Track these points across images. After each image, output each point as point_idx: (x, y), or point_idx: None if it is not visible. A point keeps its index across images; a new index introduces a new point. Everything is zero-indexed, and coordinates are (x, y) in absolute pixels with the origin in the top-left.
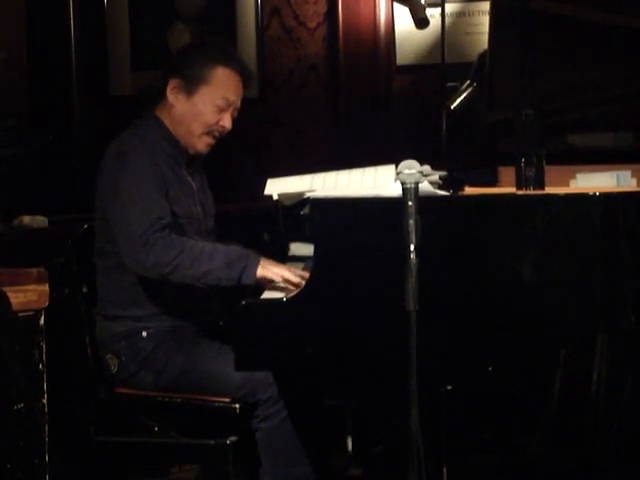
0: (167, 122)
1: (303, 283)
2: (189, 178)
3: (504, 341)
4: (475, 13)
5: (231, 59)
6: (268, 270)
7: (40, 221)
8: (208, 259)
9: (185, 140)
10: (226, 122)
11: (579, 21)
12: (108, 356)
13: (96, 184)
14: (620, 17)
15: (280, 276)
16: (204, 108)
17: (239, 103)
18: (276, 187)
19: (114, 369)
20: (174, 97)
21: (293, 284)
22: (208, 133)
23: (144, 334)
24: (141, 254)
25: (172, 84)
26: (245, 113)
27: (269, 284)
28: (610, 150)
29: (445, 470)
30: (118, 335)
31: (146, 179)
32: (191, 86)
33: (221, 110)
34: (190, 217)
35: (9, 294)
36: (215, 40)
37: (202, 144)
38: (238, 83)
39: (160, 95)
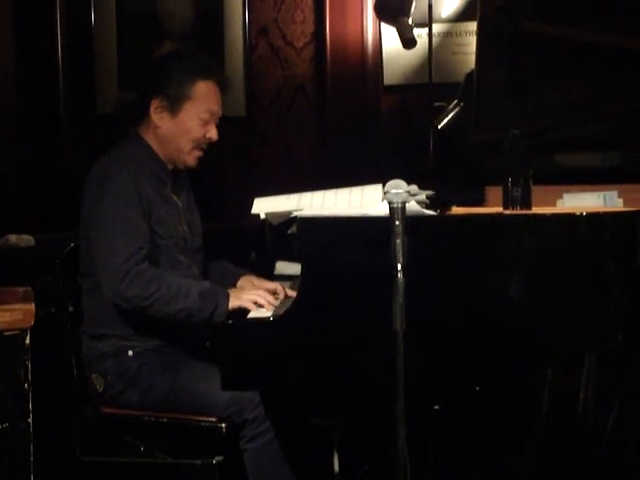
0: (152, 142)
1: (280, 297)
2: (175, 197)
3: (491, 360)
4: (462, 33)
5: (208, 70)
6: (239, 300)
7: (26, 240)
8: (183, 298)
9: (174, 157)
10: (212, 134)
11: (565, 41)
12: (94, 375)
13: (79, 205)
14: (606, 36)
15: (250, 302)
16: (190, 124)
17: (221, 112)
18: (263, 206)
19: (100, 388)
20: (158, 117)
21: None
22: (196, 147)
23: (130, 353)
24: (121, 285)
25: (155, 104)
26: (233, 132)
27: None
28: (597, 170)
29: None
30: (104, 354)
31: (128, 203)
32: (174, 104)
33: (206, 123)
34: (176, 237)
35: None
36: (188, 51)
37: (192, 159)
38: (218, 92)
39: (142, 115)
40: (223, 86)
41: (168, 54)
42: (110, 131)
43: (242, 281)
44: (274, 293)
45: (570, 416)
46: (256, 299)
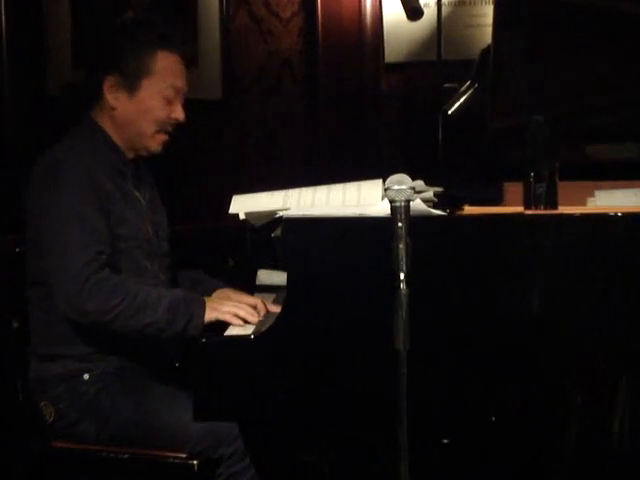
0: (108, 127)
1: (261, 314)
2: (136, 193)
3: (509, 386)
4: (477, 2)
5: (168, 39)
6: (217, 312)
7: None
8: (152, 310)
9: (135, 143)
10: (179, 113)
11: (601, 11)
12: (43, 403)
13: (25, 202)
14: None
15: (231, 315)
16: (152, 103)
17: (186, 87)
18: (243, 205)
19: (50, 418)
20: (114, 97)
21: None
22: (160, 130)
23: (86, 377)
24: (79, 298)
25: (109, 82)
26: (208, 117)
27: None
28: (635, 163)
29: None
30: (55, 378)
31: (84, 200)
32: (132, 81)
33: (170, 101)
34: (139, 239)
35: None
36: (143, 19)
37: (155, 144)
38: (181, 65)
39: (95, 96)
40: (185, 56)
41: (121, 23)
42: (64, 115)
43: (217, 294)
44: (254, 309)
45: (602, 451)
46: (237, 311)
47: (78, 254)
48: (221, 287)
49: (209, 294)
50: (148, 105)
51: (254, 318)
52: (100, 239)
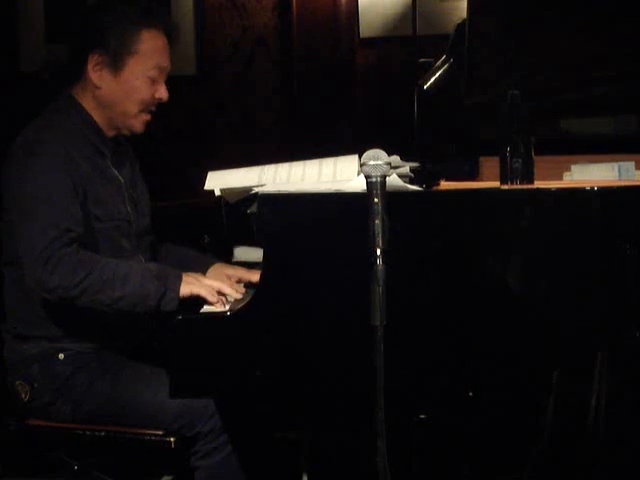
0: (90, 105)
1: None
2: (115, 171)
3: (487, 361)
4: None
5: (153, 16)
6: (192, 286)
7: None
8: (121, 284)
9: (118, 122)
10: (163, 93)
11: None
12: (18, 382)
13: (1, 180)
14: None
15: (209, 288)
16: (137, 83)
17: (170, 66)
18: (219, 181)
19: (26, 397)
20: (98, 76)
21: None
22: (144, 110)
23: (61, 356)
24: (43, 273)
25: (93, 60)
26: (182, 94)
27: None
28: (611, 137)
29: None
30: (30, 358)
31: (58, 180)
32: (117, 60)
33: (154, 81)
34: (117, 219)
35: None
36: None
37: (139, 123)
38: (166, 43)
39: (77, 73)
40: (169, 33)
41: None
42: (38, 91)
43: (211, 272)
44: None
45: (579, 426)
46: (219, 286)
47: (45, 232)
48: (212, 263)
49: (200, 271)
50: (133, 85)
51: (237, 294)
52: (69, 218)
